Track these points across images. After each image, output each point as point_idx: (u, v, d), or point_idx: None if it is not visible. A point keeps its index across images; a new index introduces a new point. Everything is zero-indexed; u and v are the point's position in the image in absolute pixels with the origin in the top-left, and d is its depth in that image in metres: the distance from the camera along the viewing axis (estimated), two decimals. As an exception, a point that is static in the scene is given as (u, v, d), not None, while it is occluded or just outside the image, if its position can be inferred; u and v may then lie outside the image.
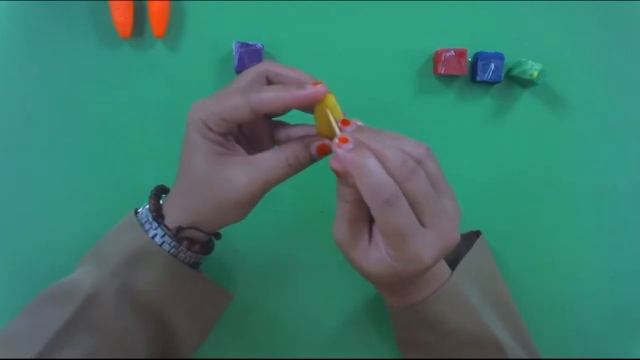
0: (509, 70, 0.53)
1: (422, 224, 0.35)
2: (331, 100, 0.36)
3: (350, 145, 0.34)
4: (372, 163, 0.33)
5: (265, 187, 0.38)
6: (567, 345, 0.54)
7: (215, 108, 0.37)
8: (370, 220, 0.38)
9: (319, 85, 0.36)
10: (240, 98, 0.37)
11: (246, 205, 0.39)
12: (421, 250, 0.34)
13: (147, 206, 0.41)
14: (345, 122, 0.36)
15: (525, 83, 0.52)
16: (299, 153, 0.38)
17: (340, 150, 0.34)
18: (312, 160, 0.38)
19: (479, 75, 0.51)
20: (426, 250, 0.35)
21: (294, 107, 0.37)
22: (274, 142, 0.42)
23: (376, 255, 0.36)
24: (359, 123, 0.37)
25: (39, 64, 0.49)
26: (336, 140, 0.34)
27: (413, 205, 0.34)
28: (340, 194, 0.36)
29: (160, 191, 0.43)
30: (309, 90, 0.36)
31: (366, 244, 0.37)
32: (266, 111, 0.37)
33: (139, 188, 0.43)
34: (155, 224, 0.40)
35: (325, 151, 0.38)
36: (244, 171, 0.38)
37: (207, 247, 0.43)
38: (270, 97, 0.36)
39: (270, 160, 0.38)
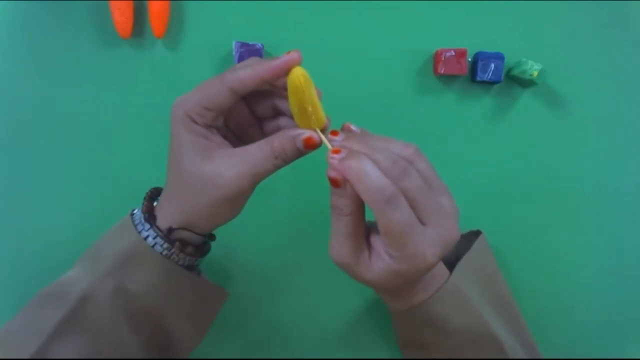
0: (509, 70, 0.53)
1: (422, 222, 0.35)
2: (304, 76, 0.35)
3: (343, 154, 0.35)
4: (368, 165, 0.33)
5: (254, 181, 0.37)
6: (567, 345, 0.54)
7: (196, 98, 0.37)
8: (367, 233, 0.38)
9: (292, 52, 0.36)
10: (217, 82, 0.37)
11: (235, 200, 0.38)
12: (424, 248, 0.35)
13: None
14: (334, 133, 0.37)
15: (525, 83, 0.52)
16: (286, 145, 0.37)
17: (334, 160, 0.34)
18: (300, 153, 0.37)
19: (479, 75, 0.51)
20: (428, 247, 0.35)
21: (271, 78, 0.36)
22: (263, 135, 0.41)
23: (379, 264, 0.36)
24: (353, 128, 0.38)
25: (39, 64, 0.49)
26: (329, 152, 0.35)
27: (410, 204, 0.34)
28: (336, 209, 0.36)
29: (156, 193, 0.42)
30: (283, 58, 0.36)
31: (367, 257, 0.37)
32: (244, 88, 0.37)
33: (139, 188, 0.43)
34: (147, 225, 0.40)
35: (311, 144, 0.37)
36: (230, 165, 0.37)
37: (201, 249, 0.42)
38: (246, 73, 0.36)
39: (257, 152, 0.37)
